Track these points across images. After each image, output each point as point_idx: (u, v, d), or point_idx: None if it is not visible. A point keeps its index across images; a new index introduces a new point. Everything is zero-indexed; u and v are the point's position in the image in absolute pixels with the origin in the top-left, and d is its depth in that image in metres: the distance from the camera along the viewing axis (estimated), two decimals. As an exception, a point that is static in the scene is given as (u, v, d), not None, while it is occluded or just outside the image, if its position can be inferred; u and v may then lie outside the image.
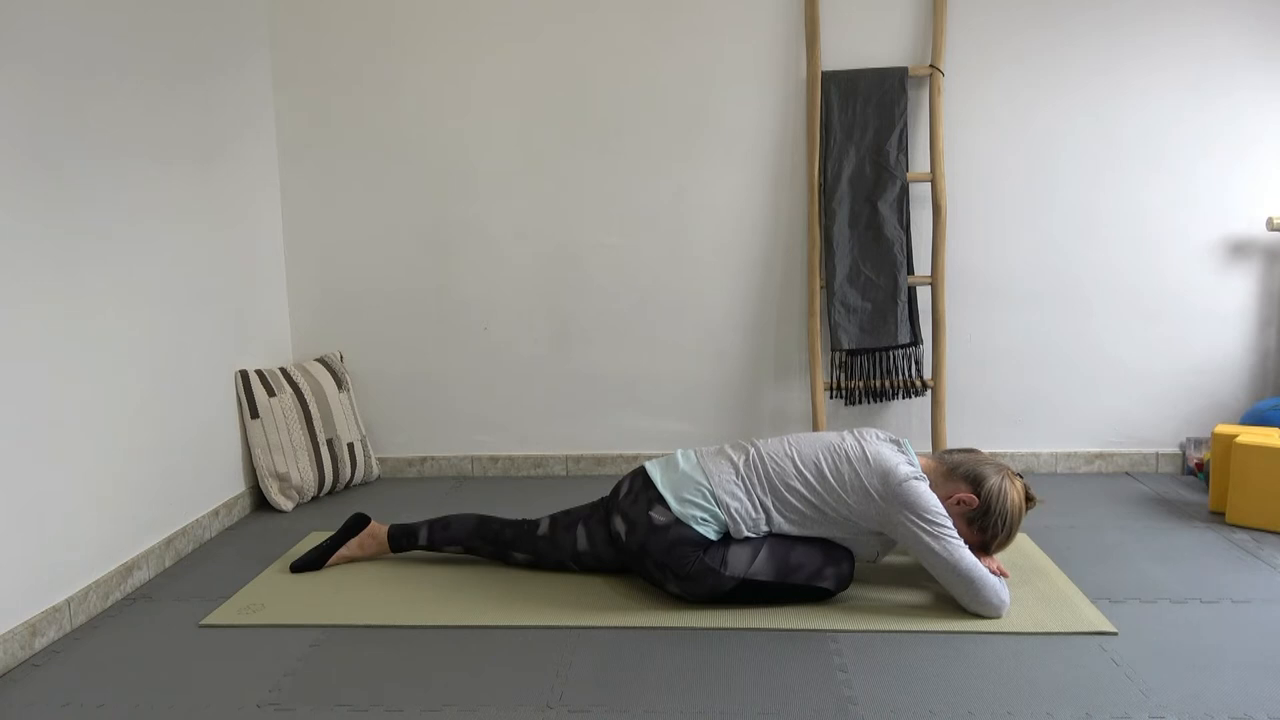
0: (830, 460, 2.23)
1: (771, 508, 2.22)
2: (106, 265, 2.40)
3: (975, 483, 2.22)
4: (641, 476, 2.32)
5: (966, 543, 2.23)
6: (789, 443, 2.31)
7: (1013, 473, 2.26)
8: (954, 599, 2.22)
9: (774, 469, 2.25)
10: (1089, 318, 3.30)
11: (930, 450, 3.34)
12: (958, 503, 2.22)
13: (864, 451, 2.23)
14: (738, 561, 2.19)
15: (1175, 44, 3.15)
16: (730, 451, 2.32)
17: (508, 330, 3.44)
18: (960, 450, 2.36)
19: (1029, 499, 2.26)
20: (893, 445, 2.28)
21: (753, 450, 2.30)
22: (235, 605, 2.33)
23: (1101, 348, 3.31)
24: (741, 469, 2.26)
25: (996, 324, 3.32)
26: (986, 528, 2.21)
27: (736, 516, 2.20)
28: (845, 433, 2.34)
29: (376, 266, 3.42)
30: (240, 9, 3.12)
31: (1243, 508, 2.75)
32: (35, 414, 2.13)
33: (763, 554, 2.20)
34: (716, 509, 2.21)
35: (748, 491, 2.23)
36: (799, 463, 2.24)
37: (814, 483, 2.21)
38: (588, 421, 3.47)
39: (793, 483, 2.22)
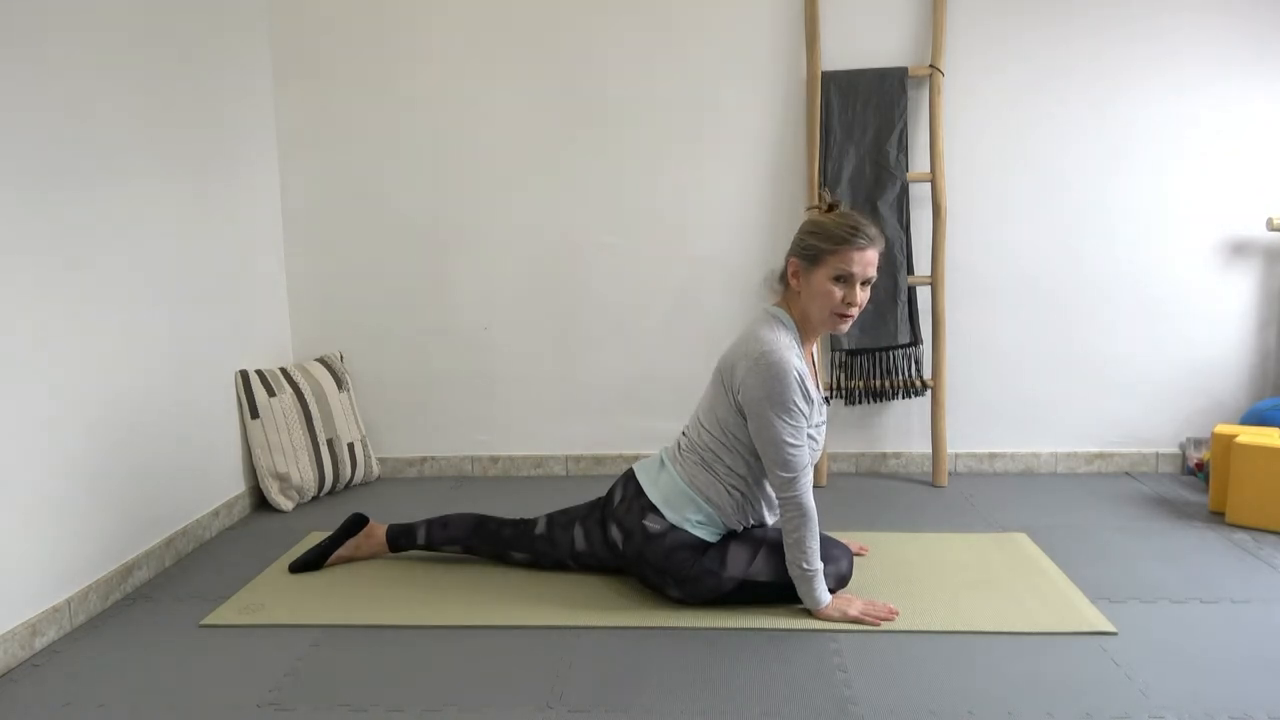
0: (711, 389, 2.24)
1: (724, 478, 2.20)
2: (107, 265, 2.39)
3: (787, 258, 2.18)
4: (633, 483, 2.31)
5: (837, 278, 2.09)
6: (695, 410, 2.31)
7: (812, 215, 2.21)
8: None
9: (696, 441, 2.24)
10: (1089, 317, 3.30)
11: (932, 450, 3.34)
12: (794, 275, 2.15)
13: (730, 352, 2.19)
14: (737, 562, 2.18)
15: (1175, 44, 3.15)
16: (685, 449, 2.28)
17: (508, 330, 3.44)
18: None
19: (826, 208, 2.18)
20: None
21: (683, 439, 2.30)
22: (235, 605, 2.33)
23: (1101, 348, 3.31)
24: (695, 458, 2.23)
25: (996, 324, 3.32)
26: (818, 253, 2.10)
27: (730, 511, 2.20)
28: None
29: (377, 266, 3.42)
30: (240, 8, 3.12)
31: (1243, 508, 2.75)
32: (36, 414, 2.13)
33: (761, 554, 2.19)
34: (713, 511, 2.21)
35: (715, 479, 2.20)
36: (700, 417, 2.26)
37: (709, 425, 2.21)
38: (587, 421, 3.47)
39: (705, 440, 2.21)
